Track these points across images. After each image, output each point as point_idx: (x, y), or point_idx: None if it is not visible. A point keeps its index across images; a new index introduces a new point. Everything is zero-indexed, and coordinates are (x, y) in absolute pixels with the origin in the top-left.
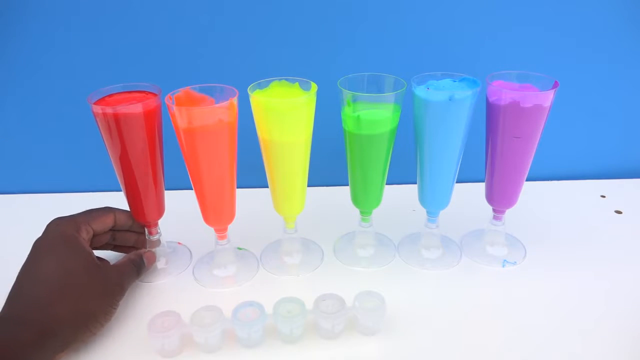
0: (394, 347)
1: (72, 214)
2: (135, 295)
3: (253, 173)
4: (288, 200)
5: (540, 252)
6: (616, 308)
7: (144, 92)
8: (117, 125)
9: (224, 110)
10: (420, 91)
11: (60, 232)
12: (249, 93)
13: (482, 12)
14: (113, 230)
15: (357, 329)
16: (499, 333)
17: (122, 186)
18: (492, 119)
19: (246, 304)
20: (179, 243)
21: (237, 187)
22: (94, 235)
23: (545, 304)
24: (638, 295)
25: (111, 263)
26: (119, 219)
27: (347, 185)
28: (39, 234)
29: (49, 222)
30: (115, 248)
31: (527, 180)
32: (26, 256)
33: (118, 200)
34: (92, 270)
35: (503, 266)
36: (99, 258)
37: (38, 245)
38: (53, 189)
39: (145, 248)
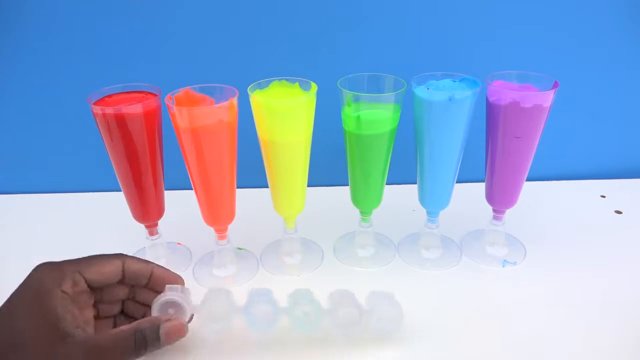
0: (394, 347)
1: (67, 259)
2: None
3: (253, 173)
4: (288, 200)
5: (540, 252)
6: (616, 308)
7: (144, 92)
8: (117, 125)
9: (224, 110)
10: (420, 91)
11: (34, 284)
12: (249, 93)
13: (482, 12)
14: (126, 284)
15: (371, 333)
16: (499, 333)
17: (122, 186)
18: (492, 119)
19: (261, 295)
20: (179, 243)
21: (237, 187)
22: (100, 299)
23: (545, 304)
24: (638, 295)
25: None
26: (129, 268)
27: (347, 185)
28: (39, 234)
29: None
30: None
31: (527, 180)
32: (25, 256)
33: (118, 200)
34: (50, 343)
35: (503, 266)
36: (97, 318)
37: (11, 296)
38: (53, 189)
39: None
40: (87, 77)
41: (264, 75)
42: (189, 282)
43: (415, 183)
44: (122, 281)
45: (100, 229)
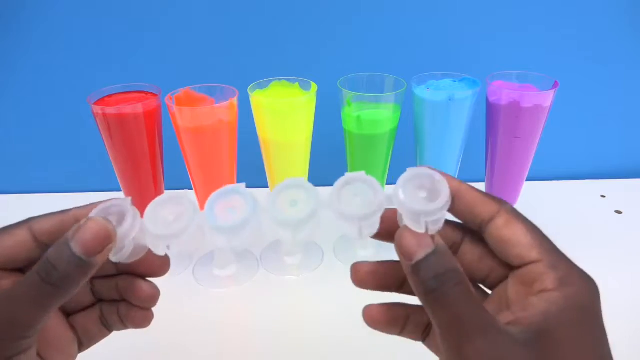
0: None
1: None
2: None
3: (253, 173)
4: None
5: None
6: (616, 308)
7: (144, 92)
8: (117, 125)
9: (224, 110)
10: (420, 91)
11: None
12: (249, 93)
13: (482, 12)
14: None
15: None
16: None
17: (122, 186)
18: (492, 119)
19: (228, 191)
20: None
21: None
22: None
23: None
24: (638, 295)
25: None
26: (41, 230)
27: None
28: None
29: None
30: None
31: (527, 180)
32: None
33: None
34: None
35: None
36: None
37: None
38: (53, 189)
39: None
40: (87, 77)
41: (264, 75)
42: (189, 282)
43: None
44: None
45: None
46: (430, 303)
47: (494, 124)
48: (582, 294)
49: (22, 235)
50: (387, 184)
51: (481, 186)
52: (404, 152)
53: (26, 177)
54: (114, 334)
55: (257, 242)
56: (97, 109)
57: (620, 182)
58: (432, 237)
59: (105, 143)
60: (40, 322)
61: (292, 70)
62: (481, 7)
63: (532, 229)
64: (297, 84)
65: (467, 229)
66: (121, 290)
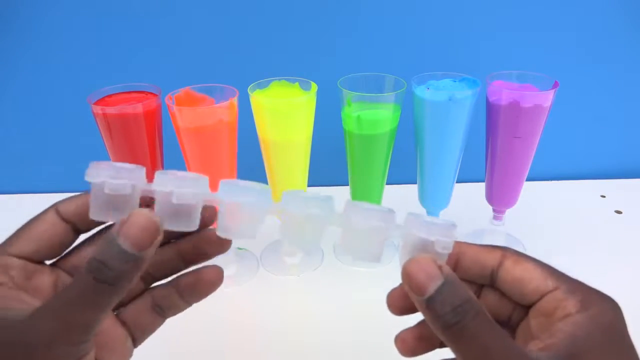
0: None
1: None
2: None
3: (253, 173)
4: None
5: (540, 252)
6: None
7: (144, 92)
8: (117, 125)
9: (224, 110)
10: (420, 91)
11: None
12: (249, 93)
13: (482, 12)
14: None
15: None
16: None
17: None
18: (492, 119)
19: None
20: None
21: None
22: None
23: None
24: (638, 295)
25: None
26: (68, 213)
27: (347, 185)
28: None
29: None
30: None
31: (527, 180)
32: None
33: None
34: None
35: None
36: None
37: None
38: (53, 189)
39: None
40: (88, 77)
41: (264, 75)
42: None
43: (415, 183)
44: (78, 230)
45: None
46: (452, 338)
47: (494, 124)
48: (607, 314)
49: (51, 218)
50: (387, 184)
51: (481, 186)
52: (404, 152)
53: (26, 177)
54: None
55: (257, 242)
56: (97, 109)
57: (620, 182)
58: (440, 267)
59: (105, 143)
60: (97, 323)
61: (292, 70)
62: (481, 7)
63: (540, 263)
64: (297, 84)
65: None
66: (187, 254)
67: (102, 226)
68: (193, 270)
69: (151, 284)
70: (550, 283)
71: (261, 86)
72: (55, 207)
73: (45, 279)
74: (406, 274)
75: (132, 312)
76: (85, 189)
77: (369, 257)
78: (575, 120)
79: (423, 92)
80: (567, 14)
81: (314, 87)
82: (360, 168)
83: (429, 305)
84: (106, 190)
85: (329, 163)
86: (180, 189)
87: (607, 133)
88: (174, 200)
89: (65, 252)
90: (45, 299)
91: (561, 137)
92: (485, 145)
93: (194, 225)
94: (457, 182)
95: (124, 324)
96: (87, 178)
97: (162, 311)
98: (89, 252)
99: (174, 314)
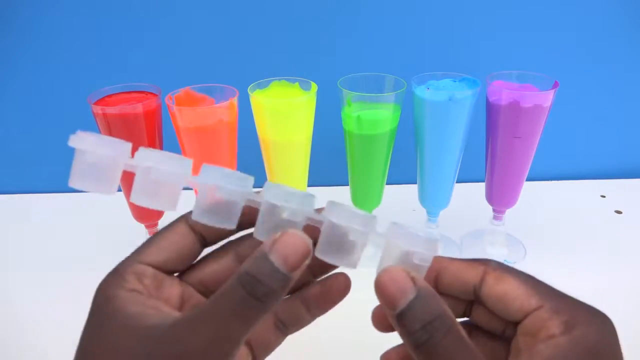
0: None
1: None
2: None
3: (253, 173)
4: None
5: (540, 252)
6: (616, 308)
7: (144, 92)
8: (117, 125)
9: (224, 110)
10: (420, 91)
11: (94, 298)
12: (249, 93)
13: (483, 12)
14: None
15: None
16: None
17: (122, 186)
18: (492, 119)
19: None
20: None
21: None
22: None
23: None
24: (638, 295)
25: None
26: (201, 228)
27: (347, 185)
28: (39, 234)
29: None
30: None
31: (527, 180)
32: (25, 256)
33: (118, 200)
34: (141, 349)
35: None
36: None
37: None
38: (53, 189)
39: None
40: (88, 77)
41: (264, 75)
42: None
43: (415, 183)
44: (204, 243)
45: (100, 229)
46: (421, 357)
47: (494, 124)
48: (591, 335)
49: (182, 229)
50: (387, 184)
51: (481, 186)
52: (404, 152)
53: (26, 177)
54: None
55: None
56: (97, 109)
57: (620, 182)
58: (413, 279)
59: None
60: (244, 338)
61: (292, 70)
62: (481, 7)
63: (524, 278)
64: (297, 84)
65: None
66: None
67: (226, 240)
68: (319, 280)
69: None
70: (533, 302)
71: (261, 86)
72: (185, 217)
73: (173, 291)
74: (378, 285)
75: (254, 330)
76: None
77: (345, 262)
78: (575, 120)
79: (423, 92)
80: (567, 14)
81: (314, 87)
82: (360, 168)
83: (400, 320)
84: (87, 159)
85: (329, 163)
86: (160, 165)
87: (607, 133)
88: (152, 176)
89: (189, 266)
90: (175, 310)
91: (561, 137)
92: (485, 145)
93: (172, 207)
94: (457, 182)
95: (246, 342)
96: (70, 143)
97: (285, 328)
98: (215, 270)
99: (297, 329)
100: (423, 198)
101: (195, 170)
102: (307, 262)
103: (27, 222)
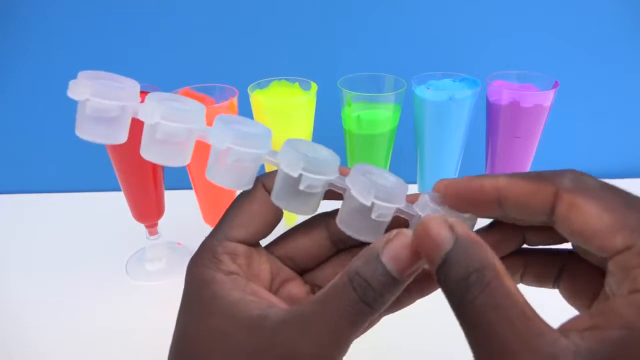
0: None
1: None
2: (132, 297)
3: None
4: None
5: None
6: None
7: (143, 92)
8: None
9: (224, 110)
10: (420, 91)
11: (188, 280)
12: (249, 93)
13: (483, 12)
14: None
15: None
16: None
17: (122, 186)
18: (492, 119)
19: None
20: (179, 243)
21: None
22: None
23: (546, 303)
24: None
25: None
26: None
27: None
28: (39, 234)
29: None
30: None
31: None
32: (25, 256)
33: (118, 200)
34: (249, 341)
35: None
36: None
37: (179, 318)
38: (53, 189)
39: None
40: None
41: (264, 75)
42: None
43: (416, 183)
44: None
45: (100, 229)
46: (459, 318)
47: (494, 124)
48: None
49: (262, 195)
50: None
51: None
52: (404, 152)
53: (26, 177)
54: (112, 343)
55: None
56: None
57: (620, 182)
58: (452, 227)
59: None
60: (350, 343)
61: (292, 70)
62: (481, 7)
63: (608, 203)
64: (297, 84)
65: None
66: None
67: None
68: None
69: None
70: (618, 240)
71: (261, 86)
72: (261, 181)
73: (263, 266)
74: (414, 240)
75: (321, 279)
76: (85, 189)
77: (369, 238)
78: (575, 120)
79: (423, 92)
80: (567, 13)
81: (314, 87)
82: None
83: (438, 277)
84: (87, 111)
85: None
86: (168, 121)
87: (608, 133)
88: (158, 136)
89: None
90: (266, 288)
91: (561, 137)
92: (485, 145)
93: (182, 161)
94: None
95: (312, 290)
96: (69, 94)
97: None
98: (306, 244)
99: (392, 312)
100: None
101: (197, 174)
102: (422, 265)
103: (27, 222)
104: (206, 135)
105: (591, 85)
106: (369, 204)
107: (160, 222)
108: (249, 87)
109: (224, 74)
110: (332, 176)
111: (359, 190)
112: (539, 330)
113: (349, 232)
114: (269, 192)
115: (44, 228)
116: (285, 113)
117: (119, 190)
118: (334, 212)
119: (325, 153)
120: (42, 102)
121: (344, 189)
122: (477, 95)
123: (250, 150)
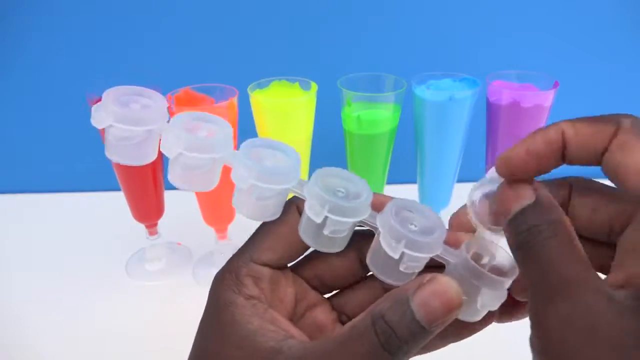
0: None
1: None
2: (132, 297)
3: None
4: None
5: None
6: None
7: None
8: None
9: (223, 110)
10: (420, 91)
11: (210, 298)
12: (249, 93)
13: (483, 12)
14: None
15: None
16: (498, 333)
17: (122, 186)
18: (492, 119)
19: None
20: (179, 243)
21: None
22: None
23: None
24: None
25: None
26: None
27: None
28: (39, 234)
29: None
30: None
31: None
32: (25, 256)
33: (118, 200)
34: None
35: None
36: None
37: (197, 335)
38: (53, 189)
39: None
40: (87, 77)
41: (264, 75)
42: (189, 282)
43: (415, 183)
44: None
45: (100, 229)
46: (518, 260)
47: (494, 124)
48: None
49: (294, 219)
50: (387, 184)
51: None
52: (404, 152)
53: (26, 177)
54: (112, 342)
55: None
56: None
57: None
58: (535, 187)
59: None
60: None
61: (292, 70)
62: (481, 7)
63: None
64: (297, 84)
65: (575, 180)
66: None
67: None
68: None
69: None
70: None
71: (261, 86)
72: (295, 203)
73: (288, 290)
74: (498, 195)
75: (351, 306)
76: (85, 189)
77: (398, 280)
78: None
79: (423, 92)
80: (567, 13)
81: (314, 87)
82: (360, 168)
83: (510, 225)
84: (110, 138)
85: (329, 163)
86: (190, 152)
87: None
88: (179, 168)
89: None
90: (289, 312)
91: None
92: (485, 145)
93: (209, 186)
94: (457, 182)
95: (339, 316)
96: (93, 122)
97: None
98: (336, 266)
99: (423, 353)
100: (423, 198)
101: None
102: (455, 316)
103: (27, 222)
104: (231, 163)
105: (591, 85)
106: (397, 256)
107: (160, 222)
108: (249, 87)
109: (224, 74)
110: (361, 217)
111: (387, 240)
112: (596, 276)
113: (377, 274)
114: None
115: (44, 228)
116: (285, 113)
117: (119, 190)
118: (369, 235)
119: (357, 189)
120: (42, 102)
121: (375, 227)
122: (477, 95)
123: (276, 186)
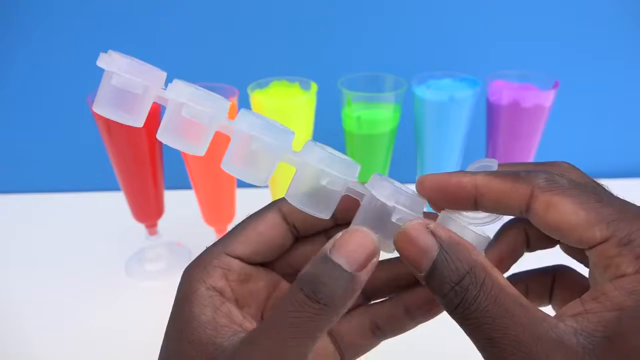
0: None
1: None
2: (132, 297)
3: None
4: None
5: (540, 252)
6: None
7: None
8: (116, 125)
9: None
10: (420, 91)
11: (180, 285)
12: (249, 93)
13: (483, 12)
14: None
15: None
16: None
17: (121, 186)
18: (492, 119)
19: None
20: (179, 243)
21: (237, 187)
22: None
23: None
24: None
25: None
26: (293, 212)
27: None
28: (39, 234)
29: None
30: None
31: None
32: (25, 256)
33: (118, 200)
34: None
35: None
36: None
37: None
38: (53, 189)
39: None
40: (87, 77)
41: (264, 75)
42: None
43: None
44: (297, 234)
45: (100, 229)
46: (459, 321)
47: (494, 124)
48: None
49: (273, 219)
50: None
51: None
52: (404, 152)
53: (26, 177)
54: (113, 342)
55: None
56: None
57: (620, 182)
58: (433, 232)
59: (105, 143)
60: (310, 350)
61: (292, 70)
62: (481, 7)
63: (582, 199)
64: (297, 84)
65: None
66: None
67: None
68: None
69: (369, 301)
70: (597, 233)
71: (261, 86)
72: (278, 206)
73: (260, 284)
74: (397, 248)
75: (346, 330)
76: (85, 189)
77: (384, 246)
78: (575, 120)
79: (423, 92)
80: (568, 13)
81: (314, 87)
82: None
83: (429, 284)
84: (113, 82)
85: None
86: (194, 104)
87: (608, 133)
88: (183, 114)
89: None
90: (259, 306)
91: (561, 137)
92: (485, 145)
93: (200, 151)
94: None
95: (334, 340)
96: (99, 63)
97: (382, 333)
98: (308, 251)
99: (395, 335)
100: None
101: (197, 174)
102: (375, 260)
103: (27, 222)
104: (229, 127)
105: (591, 85)
106: (391, 204)
107: (160, 222)
108: (249, 87)
109: (224, 74)
110: (352, 178)
111: (380, 193)
112: (539, 318)
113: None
114: (284, 217)
115: (44, 228)
116: (285, 113)
117: (119, 190)
118: (338, 227)
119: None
120: (42, 102)
121: (362, 195)
122: (477, 95)
123: (268, 139)
